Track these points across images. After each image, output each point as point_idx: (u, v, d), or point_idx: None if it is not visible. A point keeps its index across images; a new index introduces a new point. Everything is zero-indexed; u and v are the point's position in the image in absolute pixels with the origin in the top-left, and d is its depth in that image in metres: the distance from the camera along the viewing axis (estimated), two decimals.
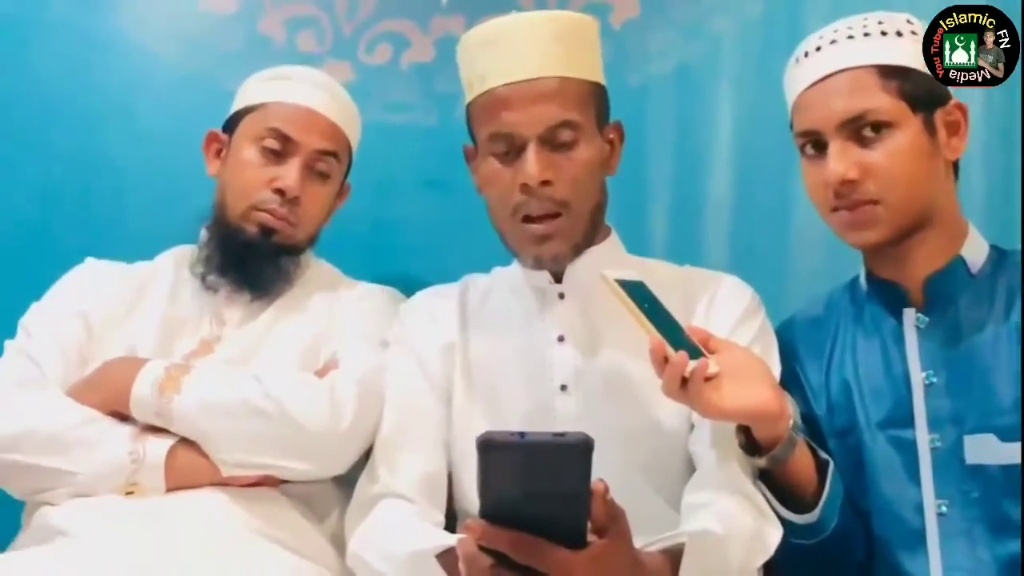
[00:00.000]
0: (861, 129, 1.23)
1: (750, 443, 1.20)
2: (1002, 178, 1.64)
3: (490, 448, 0.89)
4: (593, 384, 1.32)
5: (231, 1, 1.89)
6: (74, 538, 1.22)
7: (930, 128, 1.24)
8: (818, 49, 1.28)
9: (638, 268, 1.30)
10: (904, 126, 1.23)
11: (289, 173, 1.47)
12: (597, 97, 1.34)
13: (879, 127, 1.23)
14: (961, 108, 1.27)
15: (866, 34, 1.25)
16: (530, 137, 1.28)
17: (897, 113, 1.23)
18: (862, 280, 1.37)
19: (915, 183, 1.24)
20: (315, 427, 1.30)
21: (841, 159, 1.23)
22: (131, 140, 1.86)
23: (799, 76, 1.30)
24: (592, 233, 1.36)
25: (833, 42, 1.27)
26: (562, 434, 0.91)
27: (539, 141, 1.28)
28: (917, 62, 1.24)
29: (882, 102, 1.22)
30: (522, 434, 0.89)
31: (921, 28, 1.26)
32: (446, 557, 1.12)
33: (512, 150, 1.30)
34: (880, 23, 1.26)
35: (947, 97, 1.27)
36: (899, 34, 1.25)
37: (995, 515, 1.19)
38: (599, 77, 1.36)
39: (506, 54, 1.30)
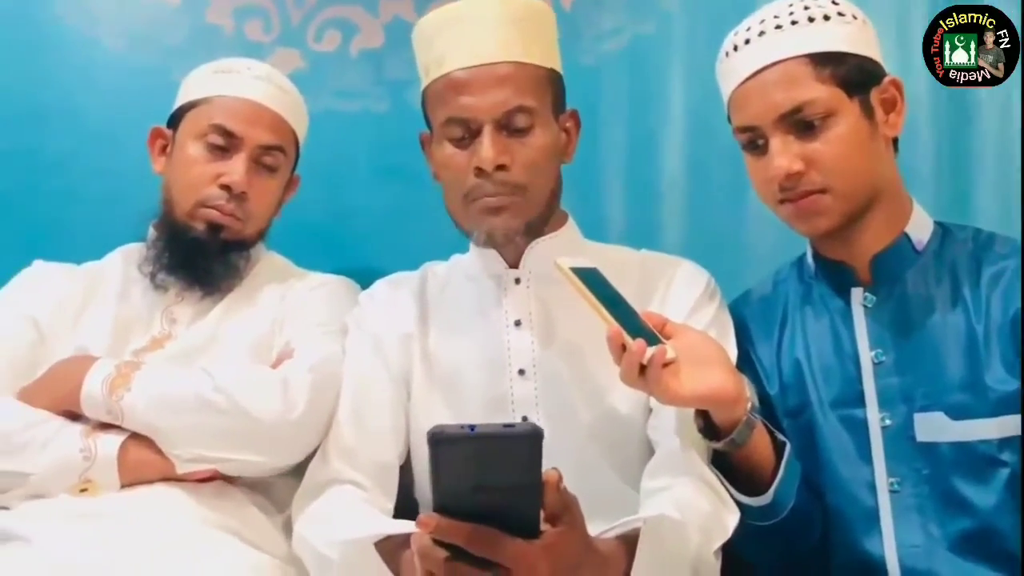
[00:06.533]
0: (800, 121, 1.22)
1: (708, 427, 1.20)
2: (949, 152, 1.65)
3: (440, 442, 0.89)
4: (551, 369, 1.32)
5: None
6: (29, 542, 1.20)
7: (867, 110, 1.24)
8: (747, 42, 1.26)
9: (595, 254, 1.30)
10: (843, 113, 1.22)
11: (235, 168, 1.45)
12: (553, 84, 1.34)
13: (818, 117, 1.21)
14: (896, 84, 1.26)
15: (793, 22, 1.24)
16: (486, 121, 1.27)
17: (834, 101, 1.22)
18: (809, 259, 1.37)
19: (859, 168, 1.23)
20: (267, 418, 1.29)
21: (783, 153, 1.22)
22: (77, 136, 1.83)
23: (731, 71, 1.28)
24: (547, 215, 1.35)
25: (761, 33, 1.25)
26: (512, 425, 0.92)
27: (495, 126, 1.27)
28: (848, 45, 1.23)
29: (818, 92, 1.21)
30: (472, 427, 0.89)
31: (848, 7, 1.25)
32: (385, 544, 1.12)
33: (468, 135, 1.29)
34: (806, 8, 1.24)
35: (881, 75, 1.26)
36: (827, 18, 1.23)
37: (946, 492, 1.20)
38: (555, 64, 1.35)
39: (463, 37, 1.29)
